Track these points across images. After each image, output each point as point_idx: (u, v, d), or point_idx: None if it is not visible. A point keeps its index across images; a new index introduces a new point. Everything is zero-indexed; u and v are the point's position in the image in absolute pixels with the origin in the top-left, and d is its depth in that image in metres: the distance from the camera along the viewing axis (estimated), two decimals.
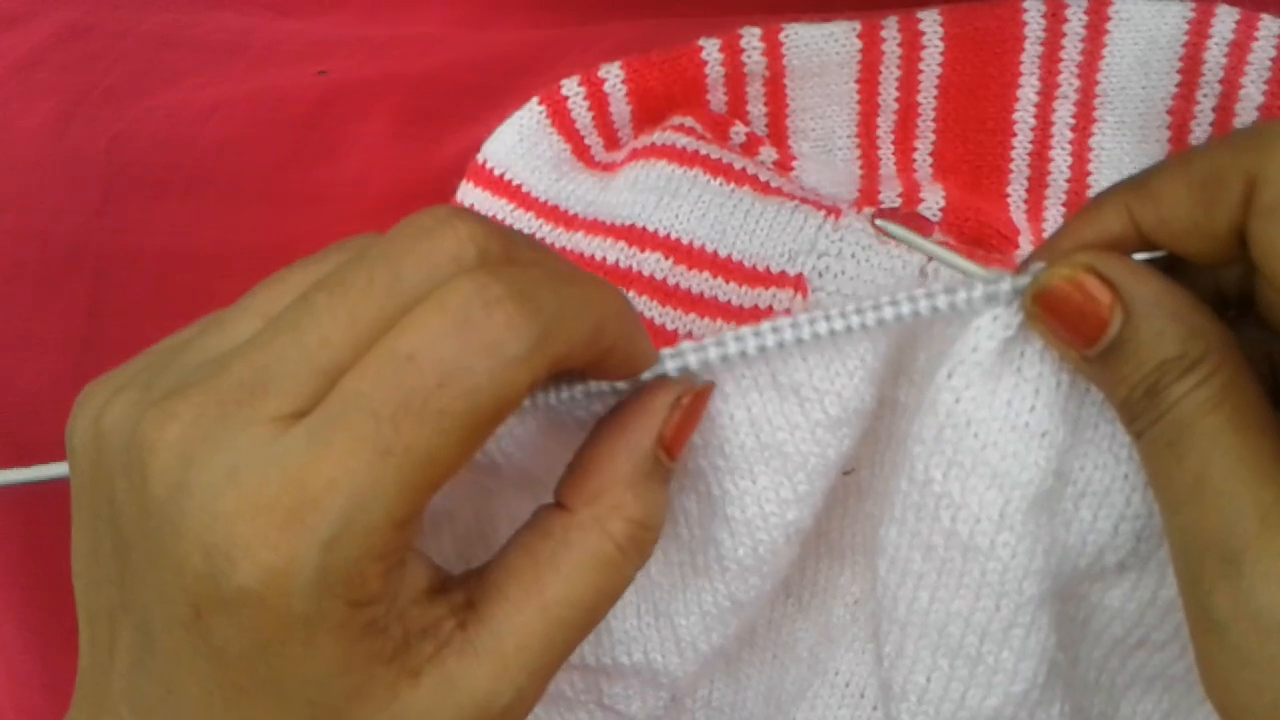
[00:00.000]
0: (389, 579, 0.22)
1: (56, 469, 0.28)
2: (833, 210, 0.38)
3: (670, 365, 0.25)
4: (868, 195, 0.42)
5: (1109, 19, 0.40)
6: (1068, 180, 0.42)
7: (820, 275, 0.34)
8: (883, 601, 0.26)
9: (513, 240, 0.23)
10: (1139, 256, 0.24)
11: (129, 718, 0.24)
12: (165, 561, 0.21)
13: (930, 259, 0.33)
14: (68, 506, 0.46)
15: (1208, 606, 0.21)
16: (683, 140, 0.41)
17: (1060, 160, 0.42)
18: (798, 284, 0.36)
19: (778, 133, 0.44)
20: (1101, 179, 0.42)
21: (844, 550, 0.31)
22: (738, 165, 0.40)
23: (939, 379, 0.24)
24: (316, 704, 0.22)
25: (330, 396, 0.21)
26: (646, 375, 0.25)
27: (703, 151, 0.40)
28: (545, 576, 0.23)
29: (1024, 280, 0.24)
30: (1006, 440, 0.24)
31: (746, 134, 0.43)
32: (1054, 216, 0.42)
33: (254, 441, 0.21)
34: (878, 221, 0.24)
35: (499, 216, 0.43)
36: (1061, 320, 0.23)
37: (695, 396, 0.24)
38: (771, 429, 0.26)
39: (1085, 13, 0.40)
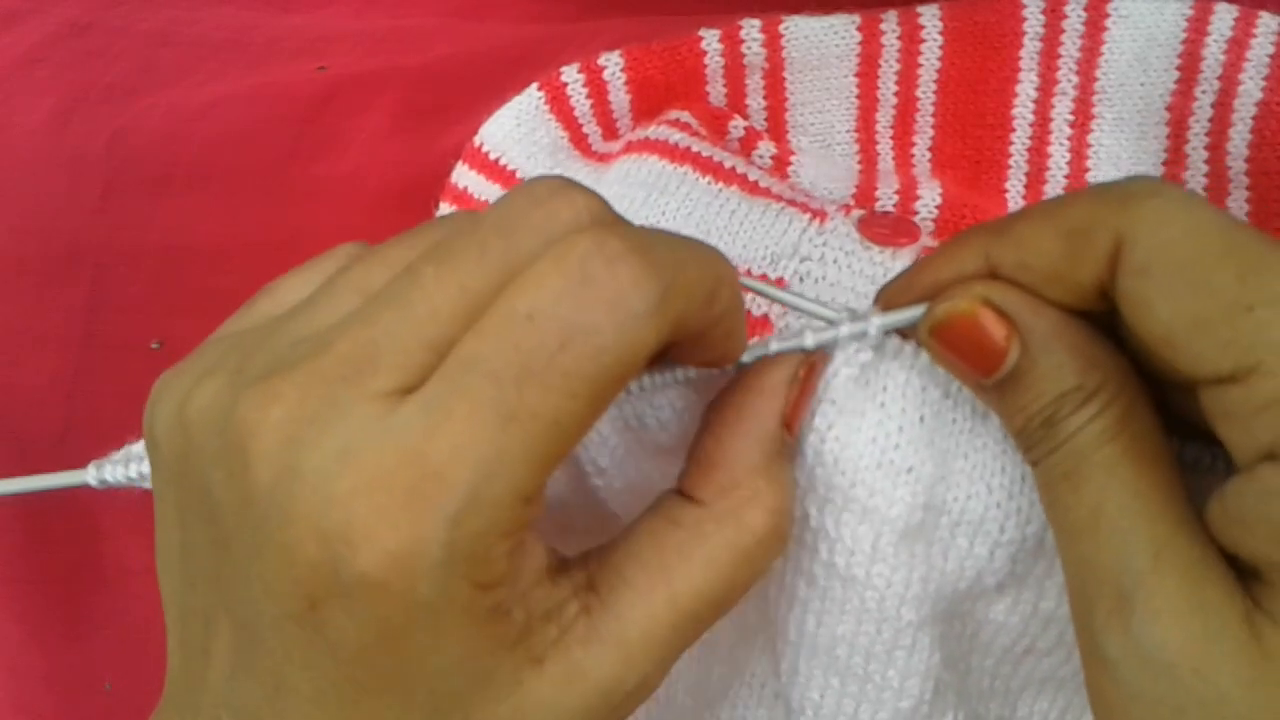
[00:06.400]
0: (514, 557, 0.21)
1: (66, 477, 0.27)
2: (819, 213, 0.38)
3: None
4: (865, 191, 0.42)
5: (1108, 15, 0.40)
6: (1066, 176, 0.42)
7: (801, 280, 0.34)
8: (774, 623, 0.27)
9: (620, 216, 0.22)
10: None
11: None
12: (273, 551, 0.20)
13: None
14: (70, 499, 0.46)
15: (1100, 642, 0.21)
16: (675, 136, 0.41)
17: (1059, 156, 0.42)
18: (779, 288, 0.36)
19: (777, 127, 0.44)
20: (1100, 175, 0.42)
21: None
22: (728, 164, 0.40)
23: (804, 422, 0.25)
24: (439, 694, 0.21)
25: (445, 364, 0.20)
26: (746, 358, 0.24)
27: (694, 149, 0.40)
28: (674, 567, 0.22)
29: (895, 318, 0.24)
30: (873, 478, 0.24)
31: (745, 128, 0.43)
32: None
33: (365, 418, 0.20)
34: (742, 280, 0.24)
35: (491, 201, 0.43)
36: (958, 352, 0.23)
37: (810, 368, 0.24)
38: (639, 470, 0.27)
39: (1084, 9, 0.40)
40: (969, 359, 0.22)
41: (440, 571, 0.19)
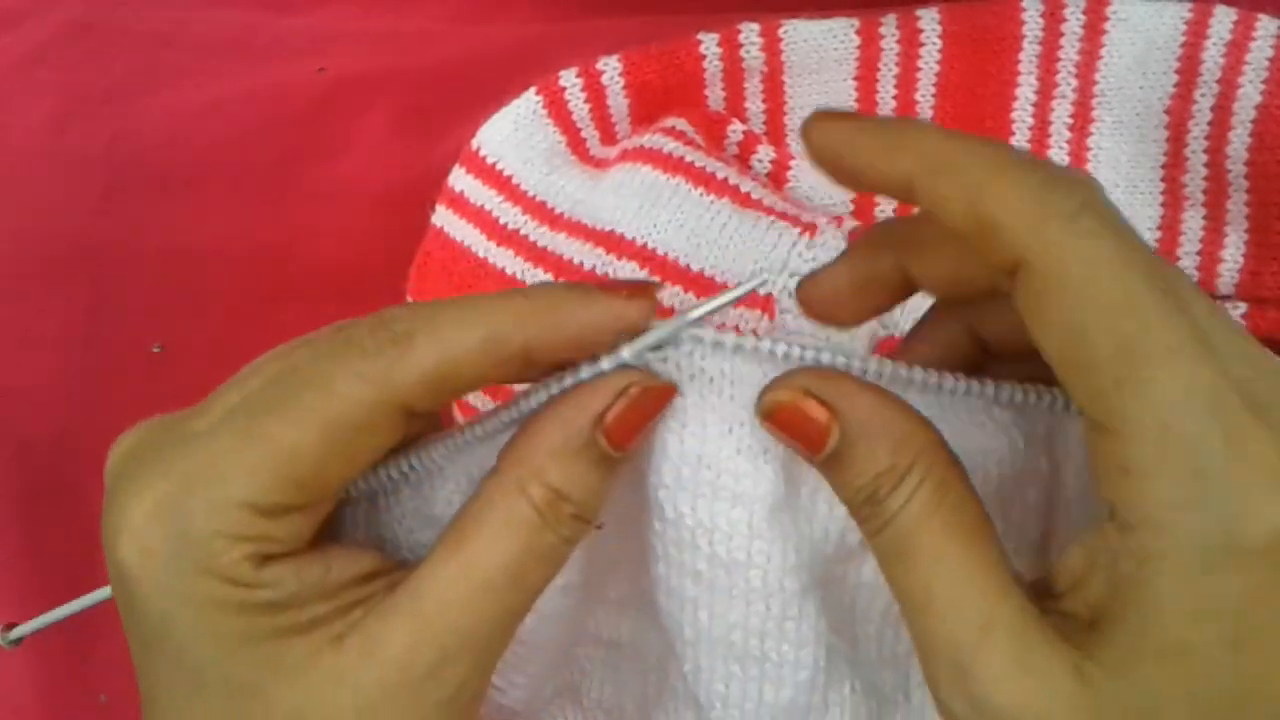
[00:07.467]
0: (273, 565, 0.23)
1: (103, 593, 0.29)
2: (809, 227, 0.38)
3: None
4: (865, 196, 0.42)
5: (1107, 19, 0.40)
6: None
7: (790, 296, 0.35)
8: (670, 628, 0.28)
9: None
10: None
11: None
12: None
13: None
14: (65, 505, 0.46)
15: (946, 704, 0.23)
16: (670, 145, 0.41)
17: (1058, 160, 0.42)
18: (766, 305, 0.37)
19: (776, 131, 0.44)
20: (1099, 179, 0.41)
21: None
22: (720, 175, 0.40)
23: (660, 428, 0.26)
24: (231, 682, 0.23)
25: (223, 400, 0.24)
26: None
27: (688, 159, 0.40)
28: (468, 534, 0.24)
29: (647, 340, 0.25)
30: (735, 464, 0.26)
31: (744, 133, 0.43)
32: None
33: (160, 450, 0.24)
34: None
35: (487, 207, 0.43)
36: (788, 433, 0.25)
37: (643, 390, 0.25)
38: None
39: (1083, 12, 0.40)
40: (797, 440, 0.24)
41: (179, 563, 0.23)
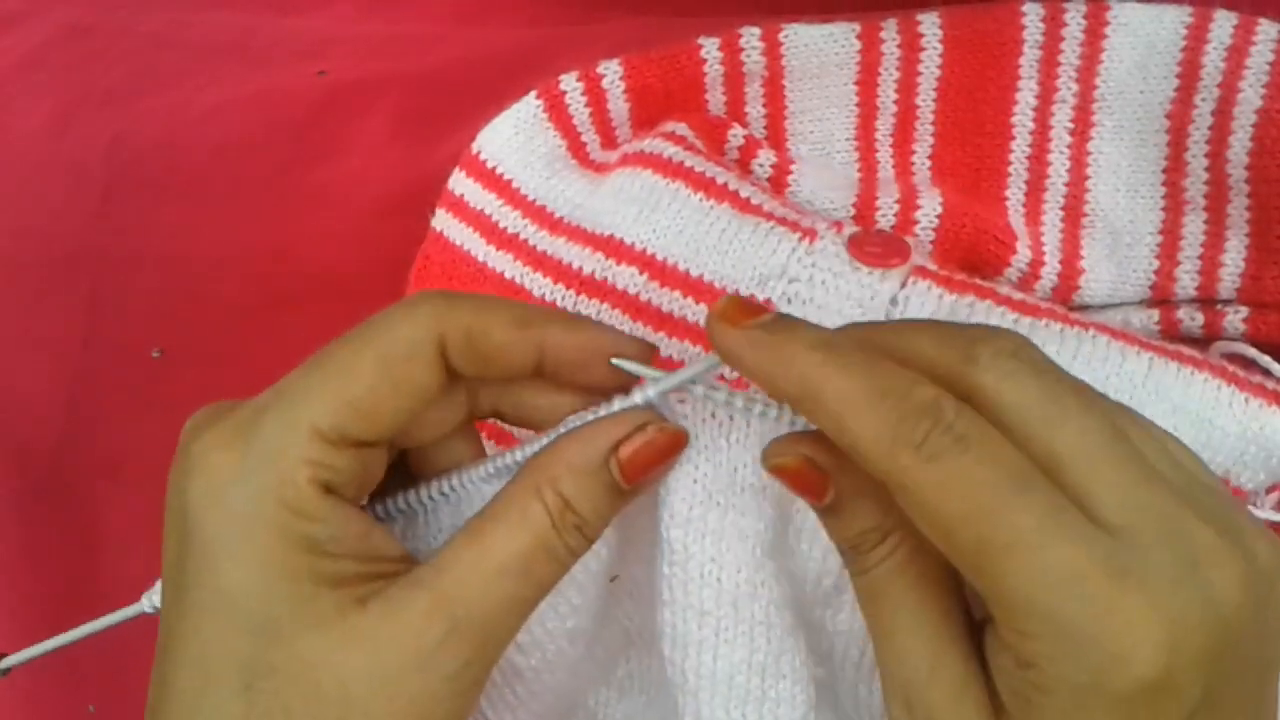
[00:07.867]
0: (331, 501, 0.26)
1: (132, 610, 0.31)
2: (809, 232, 0.38)
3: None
4: (866, 200, 0.42)
5: (1107, 23, 0.40)
6: (1066, 184, 0.42)
7: (789, 301, 0.36)
8: (673, 680, 0.29)
9: None
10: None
11: None
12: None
13: (902, 286, 0.35)
14: (63, 507, 0.46)
15: None
16: (670, 150, 0.41)
17: (1059, 164, 0.42)
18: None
19: (776, 135, 0.44)
20: (1100, 183, 0.42)
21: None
22: (720, 180, 0.40)
23: (674, 471, 0.28)
24: (258, 617, 0.25)
25: None
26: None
27: (687, 164, 0.40)
28: (487, 526, 0.27)
29: (672, 381, 0.28)
30: (740, 501, 0.28)
31: (745, 137, 0.43)
32: (1052, 221, 0.42)
33: (229, 408, 0.27)
34: (613, 362, 0.28)
35: (486, 211, 0.43)
36: (792, 485, 0.27)
37: (659, 430, 0.27)
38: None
39: (1084, 16, 0.40)
40: (800, 491, 0.27)
41: (245, 477, 0.25)
